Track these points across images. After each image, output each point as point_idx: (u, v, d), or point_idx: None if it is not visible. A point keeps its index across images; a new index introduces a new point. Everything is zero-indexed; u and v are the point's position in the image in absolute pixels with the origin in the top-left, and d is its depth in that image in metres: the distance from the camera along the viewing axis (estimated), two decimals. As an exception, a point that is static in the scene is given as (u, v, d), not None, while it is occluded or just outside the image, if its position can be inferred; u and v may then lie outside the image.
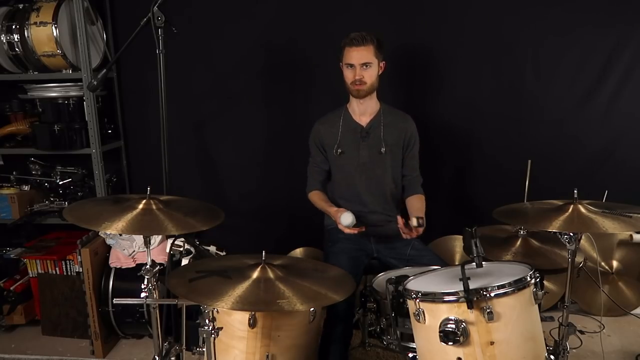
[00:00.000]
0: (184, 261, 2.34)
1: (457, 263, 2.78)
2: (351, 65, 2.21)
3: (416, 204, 2.33)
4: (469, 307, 1.43)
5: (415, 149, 2.39)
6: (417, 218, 2.06)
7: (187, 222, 1.65)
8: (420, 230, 2.08)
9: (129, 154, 3.15)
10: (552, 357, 1.59)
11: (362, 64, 2.19)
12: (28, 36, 2.69)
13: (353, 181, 2.33)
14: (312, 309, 1.66)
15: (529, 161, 2.41)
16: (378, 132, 2.32)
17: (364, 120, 2.34)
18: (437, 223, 2.91)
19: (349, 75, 2.24)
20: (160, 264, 2.04)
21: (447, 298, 1.48)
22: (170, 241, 2.23)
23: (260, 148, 3.04)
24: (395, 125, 2.34)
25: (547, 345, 1.60)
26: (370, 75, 2.23)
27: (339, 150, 2.33)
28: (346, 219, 2.09)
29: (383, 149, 2.30)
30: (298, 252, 2.90)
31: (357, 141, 2.33)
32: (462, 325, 1.44)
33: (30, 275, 2.80)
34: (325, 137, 2.36)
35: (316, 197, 2.37)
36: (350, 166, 2.33)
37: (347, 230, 2.11)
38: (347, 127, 2.34)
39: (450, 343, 1.44)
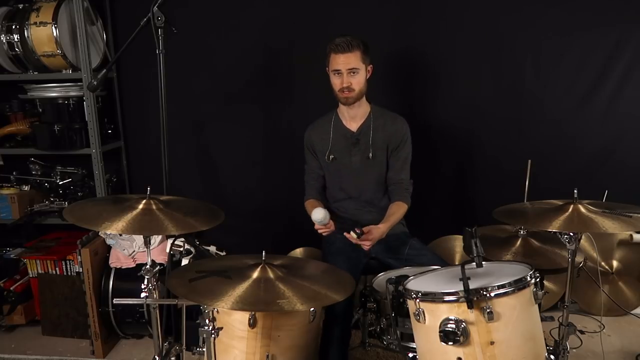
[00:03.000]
0: (184, 261, 2.34)
1: (457, 263, 2.78)
2: (338, 72, 2.17)
3: (389, 210, 2.24)
4: (469, 307, 1.43)
5: (403, 151, 2.30)
6: (355, 230, 2.02)
7: (187, 222, 1.65)
8: (364, 239, 2.04)
9: (129, 154, 3.15)
10: (552, 357, 1.59)
11: (349, 69, 2.15)
12: (28, 36, 2.69)
13: (346, 187, 2.33)
14: (312, 309, 1.66)
15: (529, 161, 2.41)
16: (367, 137, 2.29)
17: (354, 125, 2.31)
18: (437, 223, 2.91)
19: (336, 82, 2.20)
20: (160, 264, 2.04)
21: (447, 298, 1.48)
22: (170, 241, 2.23)
23: (260, 148, 3.04)
24: (383, 128, 2.29)
25: (547, 345, 1.59)
26: (358, 82, 2.18)
27: (331, 157, 2.31)
28: (316, 214, 2.02)
29: (370, 154, 2.28)
30: (298, 252, 2.90)
31: (349, 147, 2.30)
32: (462, 325, 1.44)
33: (30, 275, 2.80)
34: (316, 143, 2.35)
35: (309, 205, 2.32)
36: (343, 172, 2.32)
37: (322, 231, 2.09)
38: (338, 133, 2.32)
39: (450, 343, 1.45)
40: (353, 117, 2.31)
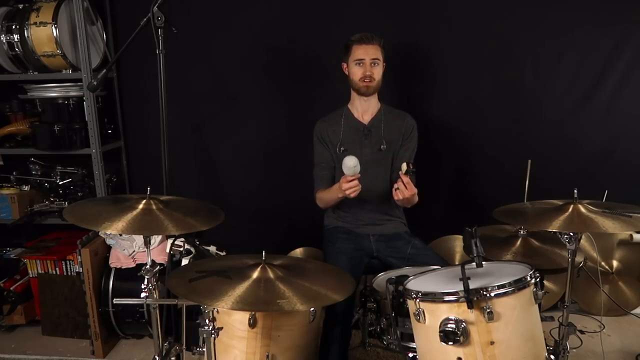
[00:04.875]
0: (184, 261, 2.33)
1: (457, 263, 2.78)
2: (361, 62, 2.24)
3: None
4: (469, 307, 1.43)
5: (411, 142, 2.37)
6: (407, 163, 1.98)
7: (187, 222, 1.65)
8: (406, 184, 1.97)
9: (129, 154, 3.16)
10: (552, 357, 1.59)
11: (372, 59, 2.23)
12: (28, 36, 2.69)
13: None
14: (312, 309, 1.66)
15: (529, 161, 2.41)
16: (379, 130, 2.34)
17: (365, 118, 2.35)
18: (437, 223, 2.91)
19: (357, 72, 2.26)
20: (160, 264, 2.04)
21: (447, 298, 1.48)
22: (170, 241, 2.23)
23: (260, 148, 3.04)
24: (394, 122, 2.36)
25: (547, 345, 1.60)
26: (378, 73, 2.27)
27: (342, 148, 2.33)
28: (350, 160, 1.93)
29: (383, 147, 2.31)
30: (298, 252, 2.90)
31: (360, 139, 2.34)
32: (462, 325, 1.44)
33: (30, 276, 2.80)
34: (328, 134, 2.37)
35: (321, 193, 2.32)
36: None
37: (353, 186, 1.98)
38: (349, 126, 2.35)
39: (450, 343, 1.45)
40: (365, 110, 2.35)
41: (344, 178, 2.00)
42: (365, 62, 2.24)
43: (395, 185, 2.02)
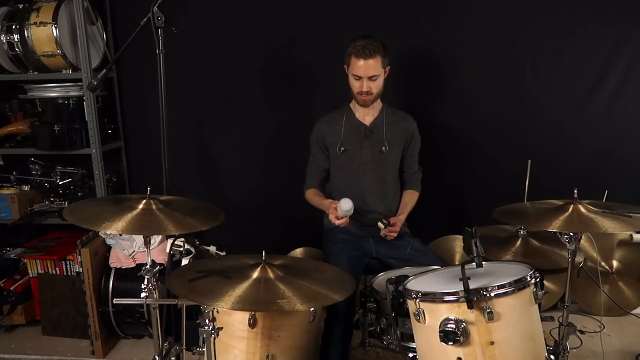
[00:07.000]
0: (184, 261, 2.33)
1: (457, 263, 2.78)
2: (358, 77, 2.19)
3: (404, 200, 2.40)
4: (469, 307, 1.43)
5: (416, 148, 2.40)
6: (381, 220, 2.20)
7: (187, 222, 1.65)
8: (390, 230, 2.21)
9: (129, 154, 3.15)
10: (552, 357, 1.59)
11: (370, 76, 2.17)
12: (28, 36, 2.69)
13: (355, 180, 2.33)
14: (312, 309, 1.66)
15: (529, 161, 2.41)
16: (381, 131, 2.32)
17: (367, 119, 2.34)
18: (437, 223, 2.92)
19: (355, 85, 2.22)
20: (160, 264, 2.03)
21: (447, 298, 1.48)
22: (170, 241, 2.23)
23: (260, 148, 3.04)
24: (397, 124, 2.34)
25: (547, 345, 1.60)
26: (377, 85, 2.21)
27: (342, 149, 2.32)
28: (346, 203, 2.05)
29: (385, 148, 2.30)
30: (298, 252, 2.90)
31: (361, 140, 2.32)
32: (462, 325, 1.44)
33: (30, 275, 2.80)
34: (327, 136, 2.36)
35: (312, 194, 2.38)
36: (353, 165, 2.33)
37: (339, 222, 2.11)
38: (350, 126, 2.34)
39: (450, 343, 1.45)
40: (367, 112, 2.34)
41: (336, 213, 2.11)
42: (363, 78, 2.18)
43: (382, 234, 2.23)
